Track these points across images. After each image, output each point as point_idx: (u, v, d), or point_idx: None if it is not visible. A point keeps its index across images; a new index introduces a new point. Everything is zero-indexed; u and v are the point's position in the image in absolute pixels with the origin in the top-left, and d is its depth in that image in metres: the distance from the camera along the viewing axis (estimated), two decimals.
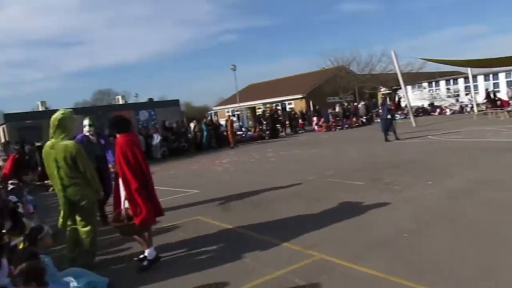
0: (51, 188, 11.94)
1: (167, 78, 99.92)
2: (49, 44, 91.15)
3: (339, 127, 25.85)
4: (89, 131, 6.96)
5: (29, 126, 24.70)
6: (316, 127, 27.07)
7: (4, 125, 25.16)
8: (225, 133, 22.41)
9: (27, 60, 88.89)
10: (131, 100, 44.30)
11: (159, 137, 19.62)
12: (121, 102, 35.25)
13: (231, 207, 7.42)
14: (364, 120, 27.73)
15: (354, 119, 27.25)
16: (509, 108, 21.52)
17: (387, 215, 5.85)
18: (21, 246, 5.33)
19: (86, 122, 7.02)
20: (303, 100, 37.08)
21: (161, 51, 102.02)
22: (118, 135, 4.82)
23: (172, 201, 8.33)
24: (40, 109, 30.10)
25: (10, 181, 11.78)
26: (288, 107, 36.43)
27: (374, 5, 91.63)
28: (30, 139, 18.53)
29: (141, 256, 4.89)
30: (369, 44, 78.80)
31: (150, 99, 34.13)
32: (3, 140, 24.07)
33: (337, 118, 26.58)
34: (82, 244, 4.90)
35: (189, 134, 21.76)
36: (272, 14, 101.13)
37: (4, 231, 4.79)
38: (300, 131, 27.60)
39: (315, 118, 28.05)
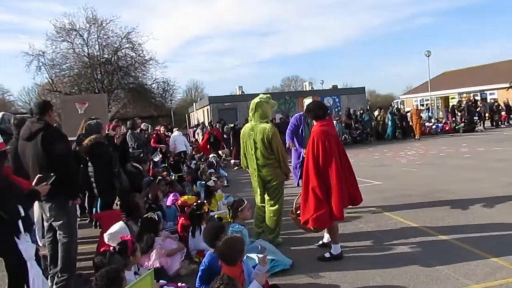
0: (236, 167, 13.21)
1: (353, 65, 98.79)
2: (247, 33, 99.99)
3: None
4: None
5: (227, 108, 27.77)
6: None
7: (208, 106, 28.80)
8: (410, 124, 21.02)
9: (229, 49, 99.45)
10: (317, 86, 45.40)
11: (340, 124, 19.66)
12: (307, 88, 36.41)
13: (417, 204, 6.86)
14: None
15: None
16: None
17: None
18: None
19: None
20: (510, 90, 31.87)
21: (348, 38, 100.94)
22: (315, 123, 4.75)
23: None
24: (237, 93, 33.39)
25: (211, 155, 13.49)
26: (489, 98, 31.89)
27: None
28: (228, 120, 20.83)
29: (321, 242, 4.93)
30: None
31: (334, 86, 34.33)
32: (206, 119, 27.67)
33: None
34: (268, 222, 5.21)
35: (372, 122, 21.15)
36: None
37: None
38: (503, 126, 23.91)
39: None
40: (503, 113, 24.99)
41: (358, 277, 4.13)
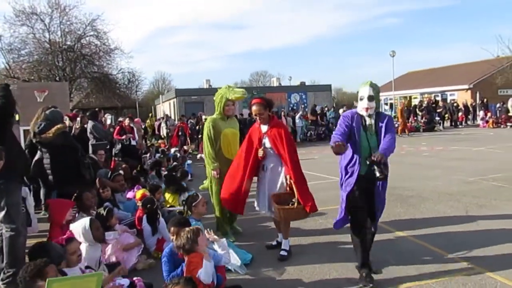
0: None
1: (321, 62, 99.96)
2: (218, 27, 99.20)
3: (511, 124, 22.49)
4: None
5: (194, 101, 27.52)
6: (481, 123, 24.07)
7: (174, 99, 28.44)
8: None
9: (198, 42, 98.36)
10: (285, 82, 45.72)
11: (303, 122, 19.97)
12: (275, 84, 36.59)
13: None
14: None
15: None
16: None
17: None
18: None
19: None
20: (469, 92, 33.16)
21: (317, 35, 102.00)
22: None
23: (313, 186, 8.28)
24: (205, 86, 33.14)
25: (173, 149, 13.36)
26: (449, 99, 33.09)
27: None
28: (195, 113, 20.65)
29: (274, 243, 4.96)
30: None
31: (302, 83, 34.67)
32: (172, 112, 27.31)
33: (509, 114, 23.17)
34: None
35: (338, 120, 21.53)
36: None
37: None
38: (460, 126, 24.89)
39: (481, 113, 24.95)
40: (460, 114, 26.00)
41: (315, 271, 4.19)
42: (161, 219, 4.90)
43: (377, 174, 3.69)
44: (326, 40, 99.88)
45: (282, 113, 19.72)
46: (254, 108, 4.63)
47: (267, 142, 4.62)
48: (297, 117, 20.19)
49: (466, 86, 33.63)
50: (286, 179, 4.57)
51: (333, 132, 4.01)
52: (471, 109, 27.06)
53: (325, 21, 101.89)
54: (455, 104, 26.62)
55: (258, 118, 4.66)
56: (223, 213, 5.29)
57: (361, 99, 3.94)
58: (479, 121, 24.95)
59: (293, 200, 4.44)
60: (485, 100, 26.68)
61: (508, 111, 23.82)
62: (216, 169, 5.18)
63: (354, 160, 3.97)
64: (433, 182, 8.31)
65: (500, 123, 22.86)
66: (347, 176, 4.03)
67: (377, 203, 4.03)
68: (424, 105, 24.73)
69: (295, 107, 25.82)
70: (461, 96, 32.92)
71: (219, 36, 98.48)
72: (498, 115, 24.11)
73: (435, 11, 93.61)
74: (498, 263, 4.10)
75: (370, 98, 3.87)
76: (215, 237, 3.61)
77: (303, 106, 26.51)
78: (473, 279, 3.79)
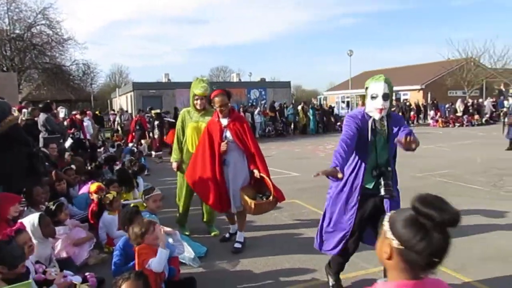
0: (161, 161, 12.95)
1: (282, 59, 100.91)
2: (178, 20, 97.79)
3: (459, 124, 23.71)
4: None
5: (152, 95, 27.03)
6: (431, 122, 25.20)
7: (132, 93, 27.81)
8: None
9: (158, 35, 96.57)
10: (245, 78, 45.77)
11: (261, 117, 20.16)
12: (235, 79, 36.57)
13: None
14: (488, 119, 25.06)
15: (476, 117, 24.75)
16: None
17: (505, 226, 5.20)
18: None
19: None
20: (421, 92, 34.60)
21: (278, 33, 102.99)
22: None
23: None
24: (164, 80, 32.62)
25: (131, 144, 13.10)
26: (402, 98, 34.38)
27: None
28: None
29: (227, 235, 5.02)
30: (508, 34, 70.01)
31: (263, 79, 34.87)
32: (129, 106, 26.69)
33: (457, 114, 24.42)
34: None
35: (296, 116, 21.84)
36: None
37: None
38: (412, 125, 25.93)
39: (431, 112, 26.11)
40: (412, 113, 27.10)
41: (269, 262, 4.28)
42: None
43: (382, 192, 3.17)
44: (287, 37, 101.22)
45: (241, 109, 19.78)
46: (217, 99, 4.42)
47: (229, 135, 4.47)
48: (255, 112, 20.34)
49: (418, 87, 35.05)
50: (253, 173, 4.46)
51: (341, 136, 3.16)
52: (422, 108, 28.24)
53: (286, 18, 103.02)
54: (407, 104, 27.70)
55: (219, 110, 4.47)
56: (185, 206, 5.26)
57: (373, 98, 3.15)
58: (429, 120, 26.07)
59: (267, 193, 4.43)
60: (435, 100, 27.96)
61: (456, 111, 25.10)
62: (177, 161, 5.12)
63: (356, 169, 3.28)
64: None
65: (449, 122, 24.01)
66: (345, 190, 3.33)
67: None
68: None
69: (254, 103, 25.95)
70: (413, 96, 34.28)
71: (180, 30, 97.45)
72: (447, 115, 25.35)
73: (391, 14, 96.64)
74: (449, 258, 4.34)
75: (385, 97, 3.12)
76: (169, 229, 3.61)
77: (262, 102, 26.70)
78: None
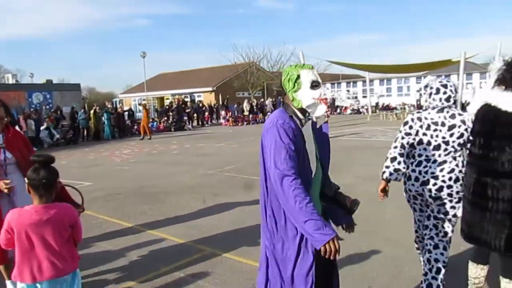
0: None
1: (72, 59, 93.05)
2: None
3: (246, 122, 26.33)
4: None
5: None
6: (223, 121, 27.27)
7: None
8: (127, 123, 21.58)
9: None
10: (26, 80, 40.51)
11: (44, 124, 18.41)
12: (11, 81, 31.96)
13: (125, 200, 7.14)
14: None
15: (260, 115, 27.94)
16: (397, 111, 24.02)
17: None
18: None
19: None
20: (213, 94, 37.01)
21: (65, 30, 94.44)
22: None
23: None
24: None
25: None
26: (197, 100, 36.10)
27: (288, 5, 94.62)
28: None
29: None
30: (282, 42, 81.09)
31: (49, 81, 31.44)
32: None
33: (244, 113, 27.13)
34: None
35: (89, 121, 20.50)
36: (189, 2, 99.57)
37: None
38: (207, 125, 27.56)
39: (223, 112, 28.26)
40: (206, 113, 28.79)
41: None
42: None
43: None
44: (76, 36, 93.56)
45: (22, 116, 17.50)
46: None
47: (9, 156, 3.46)
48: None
49: (210, 88, 37.43)
50: None
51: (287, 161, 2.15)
52: (214, 109, 30.25)
53: (72, 14, 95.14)
54: (201, 105, 29.27)
55: None
56: None
57: (314, 86, 2.28)
58: (221, 120, 28.13)
59: None
60: (226, 101, 30.33)
61: (243, 111, 27.75)
62: None
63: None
64: (179, 178, 8.98)
65: (238, 121, 26.39)
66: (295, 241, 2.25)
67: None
68: (174, 105, 26.23)
69: (38, 108, 23.24)
70: (206, 97, 36.46)
71: None
72: (236, 114, 27.80)
73: (182, 17, 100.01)
74: (229, 244, 4.80)
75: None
76: None
77: (47, 107, 24.15)
78: (213, 262, 4.29)
